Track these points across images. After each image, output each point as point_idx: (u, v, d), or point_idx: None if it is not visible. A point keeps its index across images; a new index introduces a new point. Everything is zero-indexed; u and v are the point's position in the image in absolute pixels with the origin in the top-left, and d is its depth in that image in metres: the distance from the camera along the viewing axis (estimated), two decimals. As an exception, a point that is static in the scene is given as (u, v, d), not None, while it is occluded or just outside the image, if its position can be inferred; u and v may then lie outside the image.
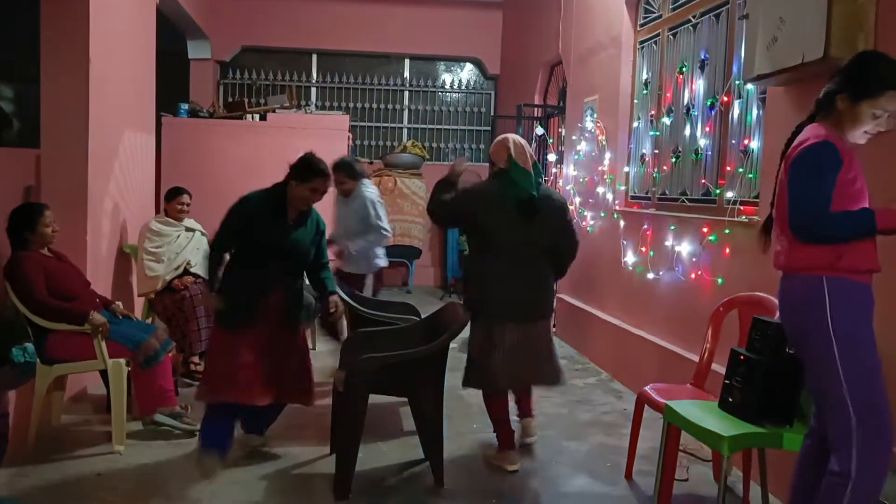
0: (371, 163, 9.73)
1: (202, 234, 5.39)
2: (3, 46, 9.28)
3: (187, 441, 3.83)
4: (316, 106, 9.73)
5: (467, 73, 10.44)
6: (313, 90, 10.07)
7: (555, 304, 4.37)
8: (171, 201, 5.26)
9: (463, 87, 10.38)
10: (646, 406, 3.49)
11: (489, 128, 10.03)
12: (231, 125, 7.70)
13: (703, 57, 4.61)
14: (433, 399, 3.43)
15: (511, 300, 3.58)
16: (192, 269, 5.11)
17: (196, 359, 4.94)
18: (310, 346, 5.28)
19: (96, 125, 4.73)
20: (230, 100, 9.19)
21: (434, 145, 10.26)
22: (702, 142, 4.54)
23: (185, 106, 7.76)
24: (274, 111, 7.88)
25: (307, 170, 3.45)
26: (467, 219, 3.75)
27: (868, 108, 2.36)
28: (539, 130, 7.61)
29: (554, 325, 6.85)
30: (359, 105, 10.10)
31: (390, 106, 10.21)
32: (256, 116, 7.81)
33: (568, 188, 6.70)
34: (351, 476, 3.25)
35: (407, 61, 10.25)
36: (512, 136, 3.75)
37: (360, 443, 3.32)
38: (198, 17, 8.38)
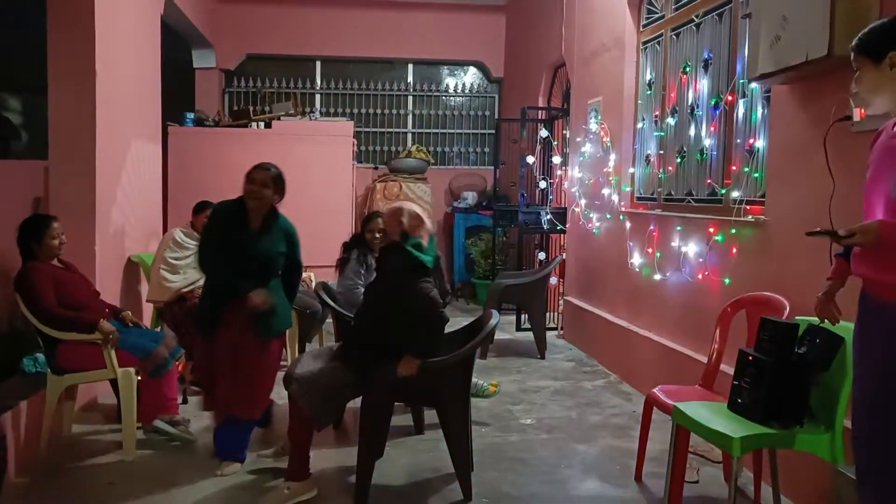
0: (376, 168, 9.75)
1: None
2: (11, 58, 9.36)
3: (198, 450, 3.85)
4: (320, 112, 9.76)
5: (471, 76, 10.45)
6: (317, 97, 10.10)
7: None
8: (198, 215, 5.22)
9: (467, 91, 10.40)
10: (655, 408, 3.48)
11: (494, 131, 10.04)
12: (236, 133, 7.72)
13: (706, 56, 4.60)
14: (460, 409, 3.37)
15: None
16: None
17: (205, 367, 4.95)
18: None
19: (103, 136, 4.76)
20: (235, 108, 9.22)
21: (439, 149, 10.27)
22: (707, 142, 4.54)
23: (190, 115, 7.79)
24: (279, 119, 7.91)
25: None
26: None
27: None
28: (543, 133, 7.61)
29: (561, 328, 6.87)
30: (363, 111, 10.12)
31: (394, 111, 10.22)
32: (262, 124, 7.84)
33: (573, 190, 6.69)
34: (368, 485, 3.23)
35: (410, 66, 10.26)
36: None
37: (382, 454, 3.32)
38: (202, 26, 8.43)
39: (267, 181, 3.63)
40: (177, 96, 8.12)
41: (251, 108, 8.43)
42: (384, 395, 3.26)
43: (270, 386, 3.75)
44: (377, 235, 4.74)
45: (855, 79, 2.22)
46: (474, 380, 4.35)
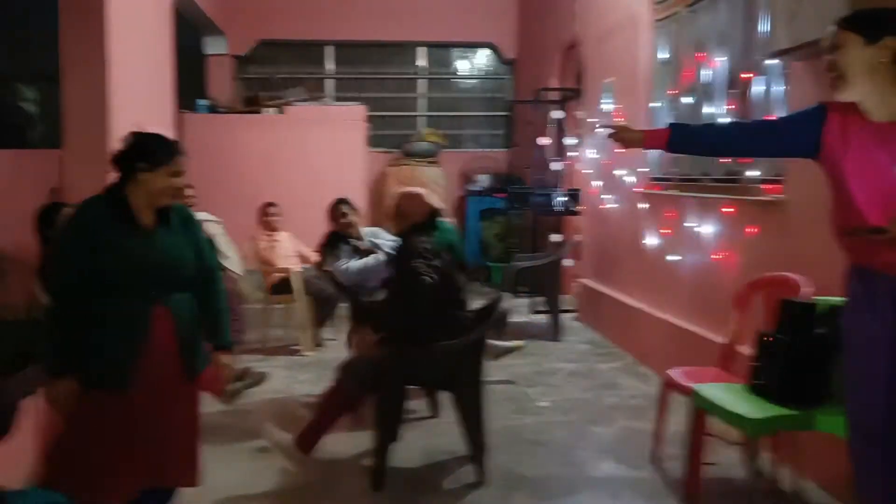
0: (389, 152, 9.72)
1: (216, 222, 5.52)
2: (26, 47, 9.40)
3: (224, 432, 3.86)
4: (332, 98, 9.73)
5: (483, 58, 10.36)
6: (330, 82, 10.06)
7: None
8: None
9: (479, 73, 10.32)
10: (672, 389, 3.46)
11: (507, 113, 9.98)
12: (249, 119, 7.74)
13: (722, 33, 4.52)
14: (474, 391, 3.36)
15: None
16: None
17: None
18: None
19: (117, 124, 4.76)
20: (248, 94, 9.22)
21: (452, 132, 10.22)
22: (723, 121, 4.47)
23: (203, 102, 7.81)
24: (291, 104, 7.91)
25: (162, 149, 2.50)
26: None
27: None
28: (557, 114, 7.54)
29: (576, 310, 6.85)
30: (375, 95, 10.08)
31: (407, 94, 10.18)
32: (274, 110, 7.85)
33: (587, 171, 6.64)
34: (384, 468, 3.26)
35: (422, 49, 10.19)
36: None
37: (397, 436, 3.34)
38: (213, 12, 8.40)
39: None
40: (189, 83, 8.11)
41: (263, 95, 8.43)
42: (396, 378, 3.27)
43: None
44: (342, 222, 5.04)
45: (833, 57, 2.18)
46: (501, 343, 4.79)
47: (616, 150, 5.32)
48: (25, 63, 10.03)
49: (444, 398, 4.00)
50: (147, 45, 5.50)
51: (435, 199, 3.68)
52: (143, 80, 5.38)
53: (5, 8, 8.95)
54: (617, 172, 5.89)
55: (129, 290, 2.40)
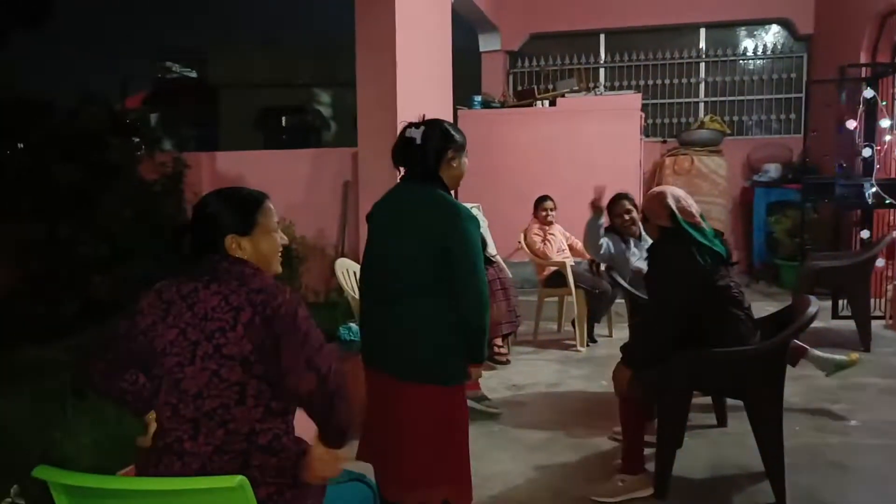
0: (664, 141, 9.26)
1: (477, 207, 5.68)
2: (317, 57, 10.49)
3: (501, 423, 3.92)
4: (605, 87, 9.50)
5: (773, 35, 9.44)
6: (602, 71, 9.85)
7: None
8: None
9: (768, 53, 9.42)
10: None
11: (802, 95, 8.99)
12: (522, 113, 7.83)
13: None
14: (772, 403, 3.02)
15: None
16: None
17: (499, 341, 4.99)
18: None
19: (403, 122, 5.06)
20: (520, 88, 9.35)
21: (735, 119, 9.46)
22: None
23: (478, 98, 8.06)
24: (563, 96, 7.85)
25: (457, 133, 2.55)
26: None
27: None
28: (868, 93, 6.59)
29: (890, 317, 5.94)
30: (650, 82, 9.66)
31: (685, 80, 9.61)
32: (546, 102, 7.85)
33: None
34: (669, 475, 3.05)
35: (702, 30, 9.56)
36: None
37: (681, 443, 3.14)
38: (488, 10, 8.63)
39: None
40: (464, 80, 8.44)
41: (536, 88, 8.48)
42: (682, 382, 3.03)
43: None
44: (626, 218, 4.75)
45: None
46: (830, 356, 3.87)
47: None
48: (318, 70, 11.18)
49: (734, 408, 3.66)
50: (430, 47, 5.78)
51: (675, 201, 3.01)
52: (426, 80, 5.66)
53: (301, 23, 10.11)
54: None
55: None
